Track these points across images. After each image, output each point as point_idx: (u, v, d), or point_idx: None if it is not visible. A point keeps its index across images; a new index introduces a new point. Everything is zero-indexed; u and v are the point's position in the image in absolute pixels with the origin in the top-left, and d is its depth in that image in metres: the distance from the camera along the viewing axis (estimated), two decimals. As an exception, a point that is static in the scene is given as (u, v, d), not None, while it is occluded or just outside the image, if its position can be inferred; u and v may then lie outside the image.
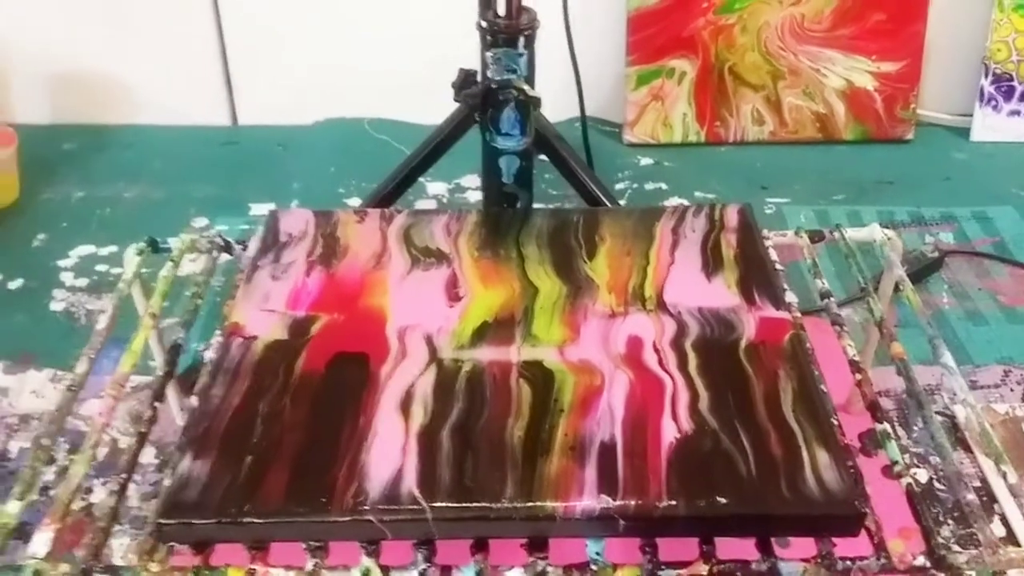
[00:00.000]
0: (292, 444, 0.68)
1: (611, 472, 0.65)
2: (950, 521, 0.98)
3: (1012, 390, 1.14)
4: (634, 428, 0.68)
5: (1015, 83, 1.63)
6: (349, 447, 0.67)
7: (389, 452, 0.66)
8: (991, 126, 1.66)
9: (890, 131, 1.65)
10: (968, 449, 1.07)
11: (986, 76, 1.63)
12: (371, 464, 0.66)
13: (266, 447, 0.67)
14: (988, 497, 1.01)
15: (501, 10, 0.88)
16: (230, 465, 0.66)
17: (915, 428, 1.10)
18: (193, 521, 0.63)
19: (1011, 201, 1.49)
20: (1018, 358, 1.19)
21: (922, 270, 1.32)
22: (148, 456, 1.05)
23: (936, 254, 1.35)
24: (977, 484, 1.02)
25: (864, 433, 1.06)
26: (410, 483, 0.64)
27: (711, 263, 0.85)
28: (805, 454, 0.66)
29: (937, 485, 1.02)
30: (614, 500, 0.63)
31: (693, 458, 0.66)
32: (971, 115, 1.66)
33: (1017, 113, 1.64)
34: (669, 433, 0.68)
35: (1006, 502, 1.00)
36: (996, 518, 0.98)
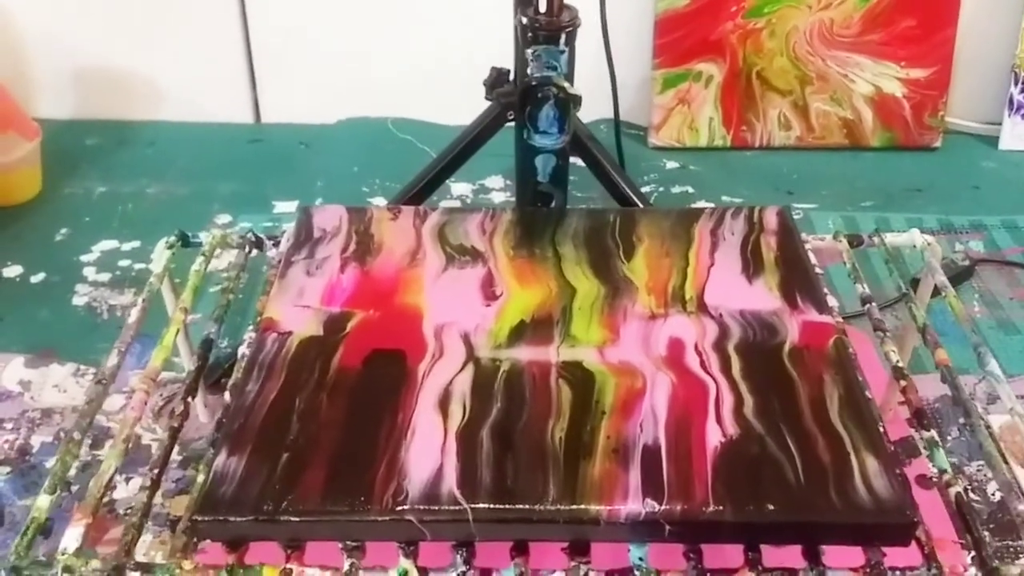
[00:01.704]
0: (329, 441, 0.66)
1: (655, 476, 0.63)
2: (986, 533, 0.97)
3: (1047, 401, 1.12)
4: (678, 431, 0.67)
5: (1046, 92, 1.61)
6: (388, 445, 0.66)
7: (428, 451, 0.65)
8: (1020, 135, 1.64)
9: (918, 138, 1.63)
10: (1004, 459, 1.05)
11: (1015, 84, 1.61)
12: (410, 463, 0.64)
13: (303, 444, 0.66)
14: (1019, 487, 0.99)
15: (542, 7, 0.86)
16: (266, 462, 0.65)
17: (949, 437, 1.08)
18: (229, 518, 0.62)
19: (1042, 211, 1.48)
20: (1051, 369, 1.17)
21: (953, 278, 1.30)
22: (172, 453, 1.04)
23: (967, 262, 1.34)
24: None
25: (897, 441, 1.05)
26: (450, 483, 0.63)
27: (751, 265, 0.84)
28: (854, 460, 0.65)
29: (972, 495, 1.00)
30: (659, 505, 0.62)
31: (739, 463, 0.65)
32: (999, 123, 1.65)
33: (1047, 122, 1.62)
34: (714, 437, 0.66)
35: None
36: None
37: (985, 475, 1.02)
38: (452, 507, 0.62)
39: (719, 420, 0.68)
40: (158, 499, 0.99)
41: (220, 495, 0.63)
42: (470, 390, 0.71)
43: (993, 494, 1.00)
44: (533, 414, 0.68)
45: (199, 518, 0.62)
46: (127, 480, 1.02)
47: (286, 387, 0.71)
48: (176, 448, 1.04)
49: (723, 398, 0.70)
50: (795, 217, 1.44)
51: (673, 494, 0.62)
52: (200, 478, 0.67)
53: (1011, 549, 0.94)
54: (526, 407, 0.69)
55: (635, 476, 0.63)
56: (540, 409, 0.69)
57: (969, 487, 1.01)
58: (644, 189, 1.51)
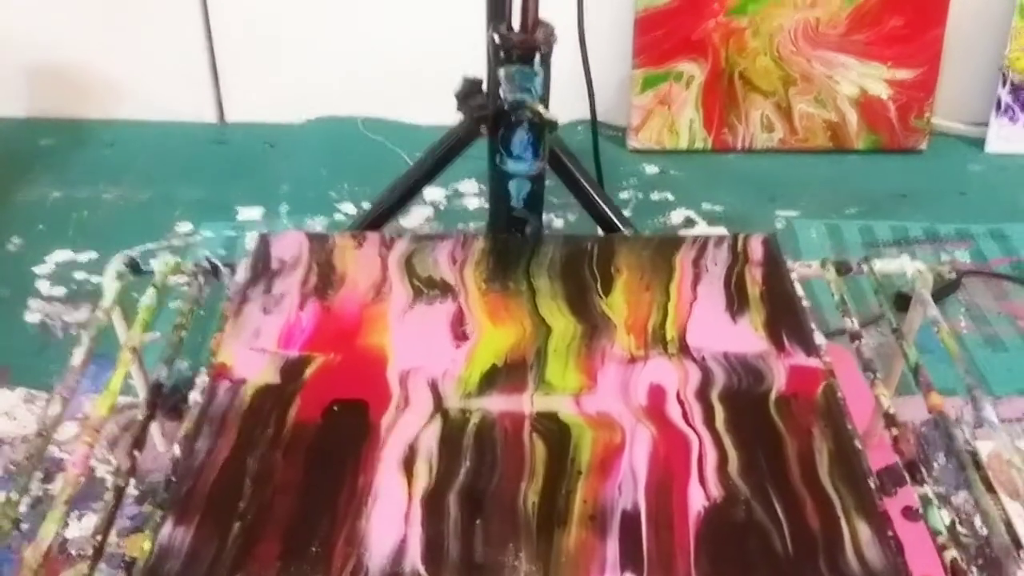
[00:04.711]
0: (284, 508, 0.61)
1: (635, 547, 0.59)
2: (974, 568, 0.93)
3: (1035, 425, 1.10)
4: (659, 494, 0.63)
5: (1033, 93, 1.57)
6: (347, 513, 0.61)
7: (391, 519, 0.61)
8: (1007, 137, 1.60)
9: (903, 141, 1.60)
10: (991, 489, 1.02)
11: (1003, 85, 1.57)
12: (371, 534, 0.60)
13: (256, 513, 0.61)
14: (1013, 541, 0.96)
15: (516, 23, 0.81)
16: (215, 533, 0.60)
17: (936, 463, 1.05)
18: (174, 599, 0.57)
19: (1029, 218, 1.45)
20: (1040, 389, 1.14)
21: (939, 292, 1.27)
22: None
23: (953, 275, 1.30)
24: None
25: (883, 470, 1.01)
26: (414, 558, 0.58)
27: (736, 301, 0.80)
28: (845, 527, 0.61)
29: (960, 528, 0.97)
30: (639, 580, 0.57)
31: (724, 531, 0.61)
32: (986, 125, 1.61)
33: (1034, 125, 1.59)
34: (697, 501, 0.62)
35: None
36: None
37: (973, 506, 0.99)
38: (416, 585, 0.57)
39: (702, 481, 0.64)
40: (112, 538, 0.95)
41: (164, 572, 0.58)
42: (437, 446, 0.66)
43: (981, 527, 0.97)
44: (505, 475, 0.64)
45: (141, 598, 0.57)
46: (79, 517, 0.96)
47: (239, 445, 0.66)
48: (131, 482, 1.01)
49: (706, 454, 0.66)
50: (778, 226, 1.41)
51: (653, 568, 0.58)
52: (146, 546, 0.62)
53: (1001, 589, 0.91)
54: (497, 467, 0.65)
55: (613, 547, 0.59)
56: (512, 469, 0.64)
57: (957, 520, 0.98)
58: (622, 195, 1.47)
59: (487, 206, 1.39)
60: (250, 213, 1.41)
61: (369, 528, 0.60)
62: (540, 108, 0.79)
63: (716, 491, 0.63)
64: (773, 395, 0.71)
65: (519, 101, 0.78)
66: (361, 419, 0.68)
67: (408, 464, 0.65)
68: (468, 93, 0.99)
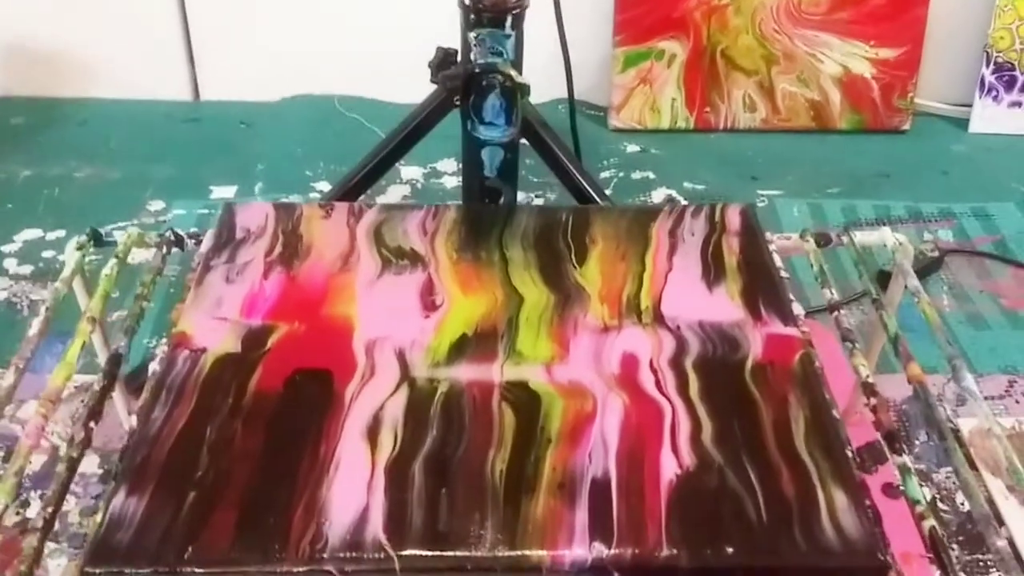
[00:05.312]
0: (242, 478, 0.59)
1: (605, 515, 0.57)
2: (955, 546, 0.92)
3: (1017, 402, 1.08)
4: (630, 462, 0.61)
5: (1017, 73, 1.56)
6: (307, 482, 0.59)
7: (353, 489, 0.59)
8: (990, 117, 1.59)
9: (886, 121, 1.58)
10: (973, 466, 1.01)
11: (987, 65, 1.56)
12: (332, 504, 0.58)
13: (212, 481, 0.59)
14: (996, 518, 0.95)
15: (486, -15, 0.79)
16: (170, 503, 0.58)
17: (917, 441, 1.04)
18: (125, 570, 0.55)
19: (1012, 198, 1.43)
20: (1022, 366, 1.13)
21: (921, 270, 1.26)
22: (91, 465, 0.97)
23: (936, 253, 1.29)
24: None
25: (863, 447, 1.00)
26: (376, 527, 0.56)
27: (712, 271, 0.78)
28: (821, 495, 0.59)
29: (941, 505, 0.96)
30: (608, 549, 0.56)
31: (696, 499, 0.59)
32: (970, 105, 1.60)
33: (1018, 104, 1.58)
34: (669, 469, 0.61)
35: (1013, 524, 0.94)
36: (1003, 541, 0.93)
37: (954, 483, 0.98)
38: (377, 555, 0.55)
39: (675, 449, 0.62)
40: (75, 518, 0.93)
41: (116, 542, 0.56)
42: (403, 415, 0.64)
43: (962, 503, 0.96)
44: (472, 443, 0.62)
45: (90, 570, 0.55)
46: (41, 496, 0.94)
47: (196, 413, 0.64)
48: (96, 461, 0.98)
49: (679, 423, 0.64)
50: (760, 205, 1.40)
51: (623, 536, 0.56)
52: (97, 518, 0.60)
53: (980, 564, 0.90)
54: (465, 435, 0.63)
55: (582, 516, 0.57)
56: (480, 437, 0.62)
57: (937, 496, 0.97)
58: (603, 175, 1.45)
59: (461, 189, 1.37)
60: (224, 192, 1.38)
61: (330, 497, 0.58)
62: (512, 72, 0.77)
63: (689, 459, 0.61)
64: (749, 363, 0.69)
65: (490, 65, 0.76)
66: (325, 388, 0.66)
67: (372, 433, 0.63)
68: (442, 63, 0.97)
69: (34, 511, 0.92)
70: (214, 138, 1.52)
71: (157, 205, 1.35)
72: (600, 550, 0.56)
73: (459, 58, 0.98)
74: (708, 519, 0.58)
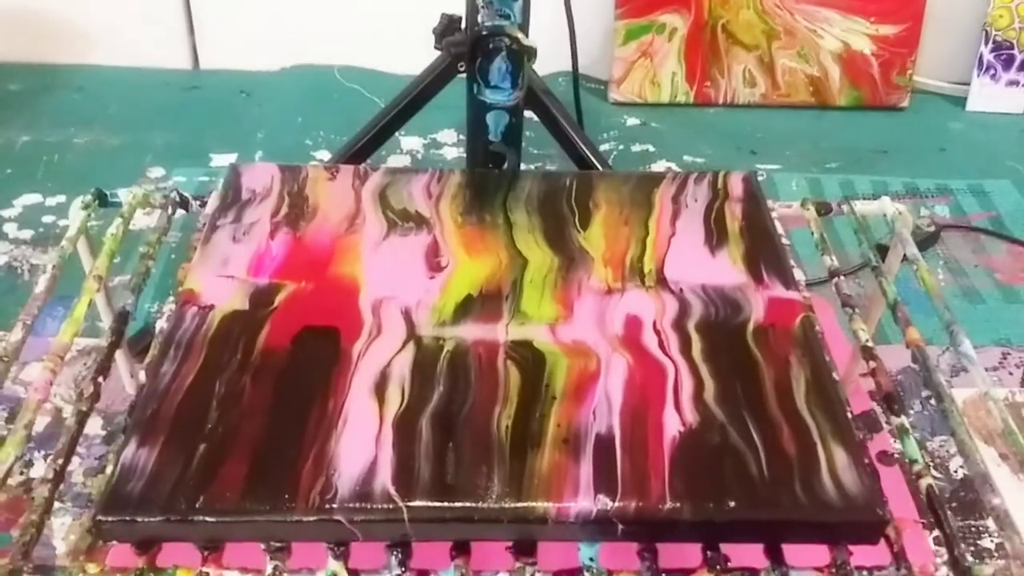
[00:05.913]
0: (251, 431, 0.60)
1: (609, 469, 0.58)
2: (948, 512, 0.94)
3: (1011, 373, 1.10)
4: (634, 419, 0.62)
5: (1015, 52, 1.57)
6: (316, 436, 0.60)
7: (361, 442, 0.59)
8: (988, 96, 1.60)
9: (885, 98, 1.59)
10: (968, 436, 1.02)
11: (986, 43, 1.57)
12: (341, 456, 0.58)
13: (222, 434, 0.60)
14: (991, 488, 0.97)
15: (493, -53, 0.79)
16: (181, 454, 0.58)
17: (912, 410, 1.05)
18: (137, 518, 0.56)
19: (1008, 175, 1.44)
20: (1016, 339, 1.14)
21: (918, 245, 1.26)
22: (94, 427, 0.98)
23: (932, 228, 1.30)
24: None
25: (860, 415, 1.01)
26: (384, 479, 0.57)
27: (715, 236, 0.79)
28: (821, 452, 0.60)
29: (935, 472, 0.97)
30: (612, 501, 0.57)
31: (698, 455, 0.60)
32: (968, 84, 1.60)
33: (1016, 83, 1.58)
34: (672, 426, 0.61)
35: (1005, 492, 0.95)
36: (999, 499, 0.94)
37: (948, 451, 0.99)
38: (385, 505, 0.56)
39: (678, 407, 0.63)
40: (79, 478, 0.94)
41: (128, 492, 0.57)
42: (410, 372, 0.65)
43: (956, 471, 0.97)
44: (478, 399, 0.63)
45: (103, 518, 0.56)
46: (45, 457, 0.95)
47: (205, 368, 0.64)
48: (100, 422, 0.99)
49: (682, 382, 0.65)
50: (759, 179, 1.40)
51: (627, 490, 0.57)
52: (108, 469, 0.61)
53: (973, 529, 0.92)
54: (471, 392, 0.63)
55: (586, 469, 0.58)
56: (486, 394, 0.63)
57: (931, 464, 0.98)
58: (603, 147, 1.45)
59: (466, 154, 1.37)
60: (224, 159, 1.38)
61: (339, 450, 0.59)
62: (519, 34, 0.77)
63: (692, 416, 0.62)
64: (751, 326, 0.70)
65: (497, 27, 0.76)
66: (332, 345, 0.67)
67: (380, 389, 0.63)
68: (446, 29, 0.97)
69: (37, 472, 0.93)
70: (213, 106, 1.52)
71: (157, 172, 1.35)
72: (604, 502, 0.57)
73: (463, 25, 0.98)
74: (710, 474, 0.59)
